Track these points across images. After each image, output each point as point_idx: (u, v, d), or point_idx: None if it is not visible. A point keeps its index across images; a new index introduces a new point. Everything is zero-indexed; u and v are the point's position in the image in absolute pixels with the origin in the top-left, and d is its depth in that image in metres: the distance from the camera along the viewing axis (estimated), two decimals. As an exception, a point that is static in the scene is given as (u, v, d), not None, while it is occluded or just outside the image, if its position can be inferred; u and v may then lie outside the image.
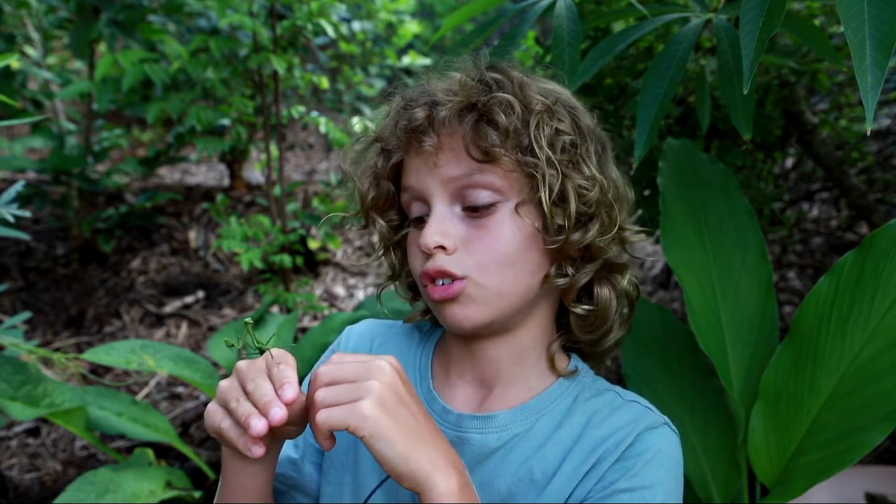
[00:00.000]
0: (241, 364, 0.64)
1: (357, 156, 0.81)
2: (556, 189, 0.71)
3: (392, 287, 0.87)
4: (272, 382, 0.61)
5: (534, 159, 0.71)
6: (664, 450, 0.72)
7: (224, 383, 0.64)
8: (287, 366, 0.62)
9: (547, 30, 2.35)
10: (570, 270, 0.75)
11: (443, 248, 0.71)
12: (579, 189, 0.72)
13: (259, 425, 0.58)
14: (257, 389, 0.61)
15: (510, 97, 0.71)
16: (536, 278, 0.74)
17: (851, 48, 0.64)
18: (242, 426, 0.59)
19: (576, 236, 0.73)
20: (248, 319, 0.67)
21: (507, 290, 0.73)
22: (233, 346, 0.67)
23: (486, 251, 0.71)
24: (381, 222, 0.80)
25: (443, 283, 0.72)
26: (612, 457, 0.70)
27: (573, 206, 0.71)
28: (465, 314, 0.73)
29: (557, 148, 0.72)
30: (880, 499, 1.37)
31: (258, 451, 0.60)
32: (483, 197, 0.72)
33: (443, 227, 0.72)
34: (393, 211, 0.80)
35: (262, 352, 0.66)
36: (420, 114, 0.72)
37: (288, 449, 0.83)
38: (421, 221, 0.76)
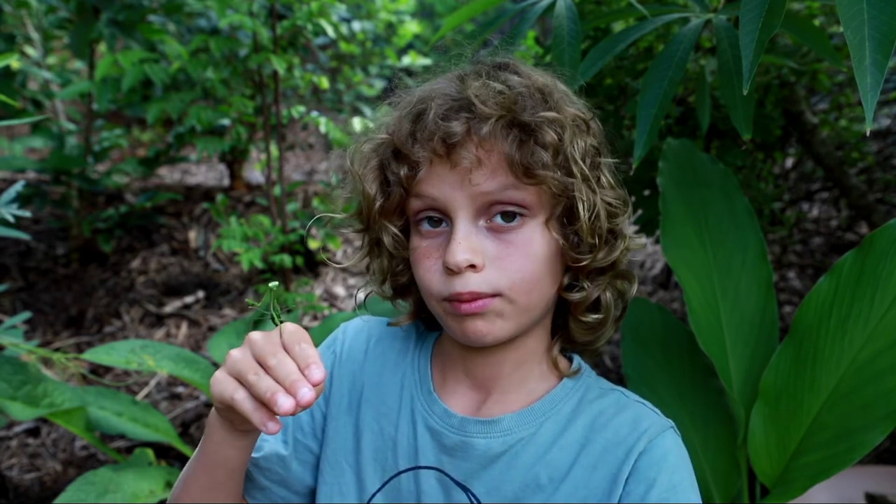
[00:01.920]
0: (256, 336, 0.63)
1: (363, 156, 0.76)
2: (594, 209, 0.69)
3: (376, 291, 0.84)
4: (294, 360, 0.60)
5: (571, 178, 0.68)
6: (679, 453, 0.72)
7: (236, 353, 0.63)
8: (308, 344, 0.61)
9: (547, 30, 2.35)
10: (586, 284, 0.73)
11: (472, 266, 0.68)
12: (609, 207, 0.71)
13: (287, 403, 0.57)
14: (280, 366, 0.59)
15: (560, 116, 0.68)
16: (553, 291, 0.74)
17: (851, 49, 0.64)
18: (266, 402, 0.58)
19: (602, 254, 0.71)
20: (273, 284, 0.65)
21: (534, 304, 0.72)
22: (254, 305, 0.66)
23: (519, 269, 0.69)
24: (394, 230, 0.76)
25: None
26: (627, 466, 0.70)
27: (604, 224, 0.70)
28: (490, 329, 0.70)
29: (588, 163, 0.70)
30: (880, 499, 1.37)
31: (274, 426, 0.60)
32: (512, 212, 0.69)
33: (471, 243, 0.68)
34: (396, 216, 0.76)
35: (275, 323, 0.65)
36: (458, 127, 0.67)
37: (276, 445, 0.82)
38: (430, 231, 0.72)
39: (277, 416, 0.60)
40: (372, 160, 0.75)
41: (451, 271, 0.68)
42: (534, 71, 0.74)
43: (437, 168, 0.70)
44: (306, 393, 0.57)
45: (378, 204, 0.74)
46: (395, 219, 0.76)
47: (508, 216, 0.69)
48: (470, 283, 0.68)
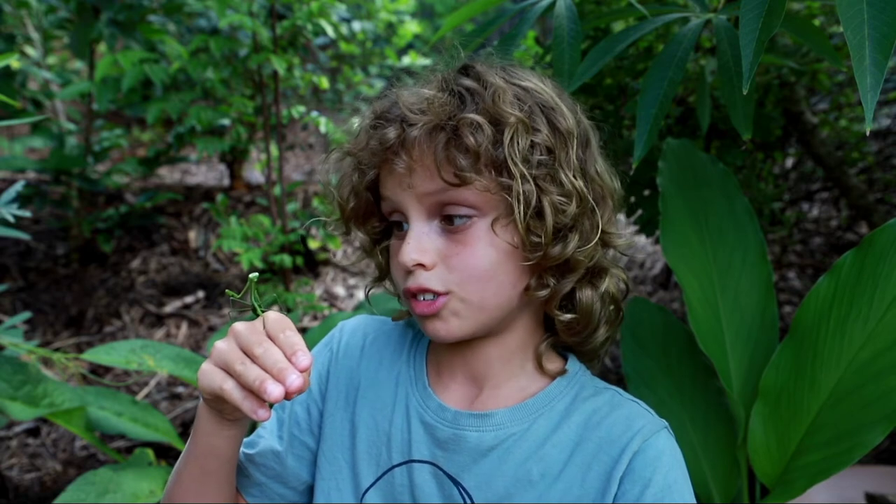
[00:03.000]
0: (240, 326, 0.64)
1: (334, 165, 0.80)
2: (531, 206, 0.69)
3: (381, 288, 0.87)
4: (280, 348, 0.61)
5: (507, 179, 0.69)
6: (674, 453, 0.72)
7: (222, 344, 0.64)
8: (292, 332, 0.63)
9: (547, 30, 2.35)
10: (551, 281, 0.74)
11: (422, 265, 0.71)
12: (557, 204, 0.70)
13: (276, 391, 0.58)
14: (267, 355, 0.61)
15: (478, 118, 0.69)
16: (517, 290, 0.74)
17: (851, 49, 0.64)
18: (255, 390, 0.60)
19: (554, 251, 0.71)
20: (254, 275, 0.66)
21: (489, 303, 0.73)
22: (235, 297, 0.67)
23: (465, 268, 0.71)
24: (361, 235, 0.81)
25: (425, 299, 0.72)
26: (621, 466, 0.70)
27: (550, 221, 0.70)
28: (447, 328, 0.73)
29: (533, 162, 0.70)
30: (880, 499, 1.37)
31: (265, 413, 0.61)
32: (459, 212, 0.71)
33: (420, 244, 0.71)
34: (375, 218, 0.80)
35: (256, 313, 0.66)
36: (391, 134, 0.71)
37: (272, 440, 0.83)
38: (402, 229, 0.75)
39: (267, 404, 0.61)
40: (341, 168, 0.80)
41: (406, 269, 0.72)
42: (495, 70, 0.74)
43: (385, 173, 0.74)
44: (294, 380, 0.59)
45: (349, 208, 0.78)
46: (373, 221, 0.80)
47: (459, 216, 0.71)
48: (419, 279, 0.71)
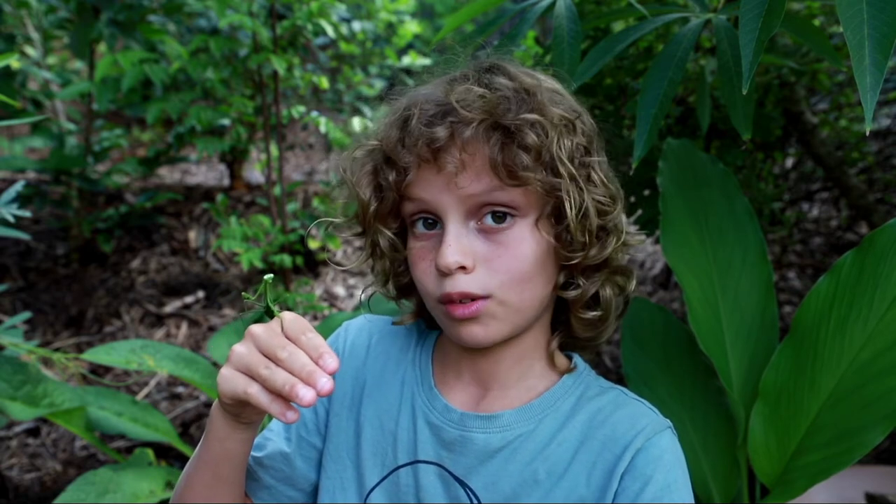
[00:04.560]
0: (257, 329, 0.63)
1: (356, 162, 0.78)
2: (582, 207, 0.69)
3: (380, 291, 0.85)
4: (304, 350, 0.61)
5: (557, 178, 0.69)
6: (676, 453, 0.72)
7: (241, 348, 0.63)
8: (313, 333, 0.62)
9: (547, 30, 2.35)
10: (581, 281, 0.74)
11: (463, 267, 0.69)
12: (599, 205, 0.71)
13: (308, 395, 0.58)
14: (293, 358, 0.60)
15: (539, 117, 0.69)
16: (548, 289, 0.74)
17: (850, 49, 0.64)
18: (285, 394, 0.59)
19: (594, 251, 0.72)
20: (269, 276, 0.65)
21: (527, 304, 0.72)
22: (250, 298, 0.66)
23: (508, 269, 0.70)
24: (389, 234, 0.77)
25: (463, 302, 0.70)
26: (623, 463, 0.70)
27: (594, 221, 0.70)
28: (486, 332, 0.72)
29: (577, 162, 0.70)
30: (880, 499, 1.37)
31: (294, 416, 0.61)
32: (501, 213, 0.70)
33: (461, 245, 0.69)
34: (392, 219, 0.77)
35: (270, 315, 0.65)
36: (441, 132, 0.68)
37: (280, 443, 0.83)
38: (424, 233, 0.73)
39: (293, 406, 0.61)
40: (365, 166, 0.76)
41: (442, 273, 0.70)
42: (522, 71, 0.74)
43: (424, 172, 0.71)
44: (325, 383, 0.58)
45: (373, 208, 0.75)
46: (390, 221, 0.77)
47: (498, 217, 0.70)
48: (460, 283, 0.69)
